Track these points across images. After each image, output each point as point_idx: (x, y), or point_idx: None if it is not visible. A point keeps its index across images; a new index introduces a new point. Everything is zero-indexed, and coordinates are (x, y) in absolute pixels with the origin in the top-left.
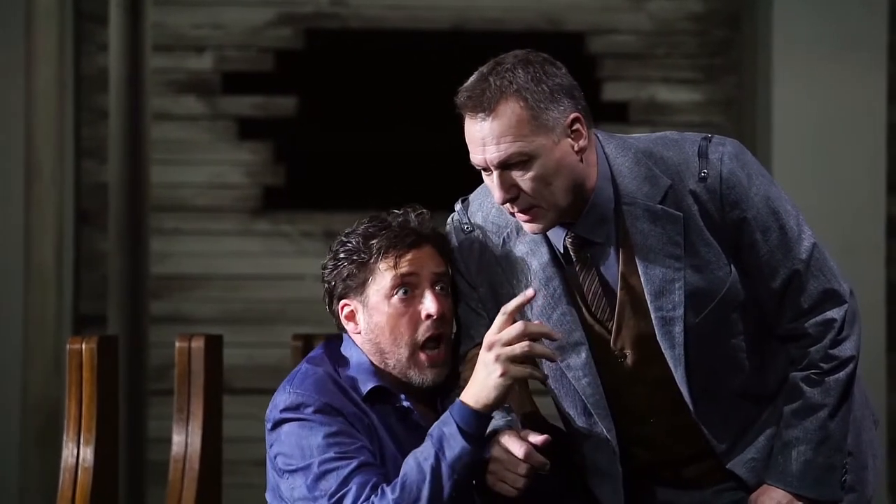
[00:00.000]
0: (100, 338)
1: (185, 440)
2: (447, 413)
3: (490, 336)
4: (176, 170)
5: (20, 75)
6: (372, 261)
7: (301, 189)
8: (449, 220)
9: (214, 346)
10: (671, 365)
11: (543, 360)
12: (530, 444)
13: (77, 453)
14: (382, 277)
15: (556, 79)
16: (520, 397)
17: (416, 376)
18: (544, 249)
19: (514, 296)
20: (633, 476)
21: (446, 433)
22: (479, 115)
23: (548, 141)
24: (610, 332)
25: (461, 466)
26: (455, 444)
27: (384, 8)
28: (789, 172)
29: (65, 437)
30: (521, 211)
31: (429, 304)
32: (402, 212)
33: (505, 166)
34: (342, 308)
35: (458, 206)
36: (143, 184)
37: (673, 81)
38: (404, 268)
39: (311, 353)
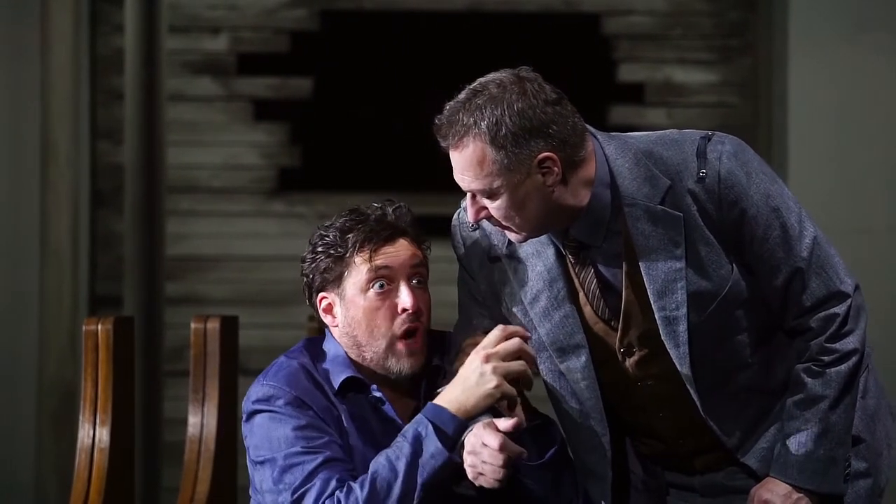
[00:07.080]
0: (115, 319)
1: (200, 421)
2: (421, 414)
3: (486, 348)
4: (191, 151)
5: (36, 56)
6: (348, 255)
7: (316, 170)
8: (455, 215)
9: (230, 327)
10: (676, 363)
11: (541, 359)
12: (504, 433)
13: (93, 434)
14: (358, 271)
15: (529, 117)
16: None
17: (394, 365)
18: (550, 251)
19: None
20: (644, 460)
21: (422, 433)
22: (445, 144)
23: (511, 179)
24: (615, 330)
25: (434, 469)
26: (430, 446)
27: None
28: (805, 154)
29: (80, 418)
30: (496, 226)
31: (405, 298)
32: (379, 205)
33: (473, 194)
34: (320, 301)
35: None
36: (159, 165)
37: (688, 62)
38: (380, 261)
39: (292, 347)
